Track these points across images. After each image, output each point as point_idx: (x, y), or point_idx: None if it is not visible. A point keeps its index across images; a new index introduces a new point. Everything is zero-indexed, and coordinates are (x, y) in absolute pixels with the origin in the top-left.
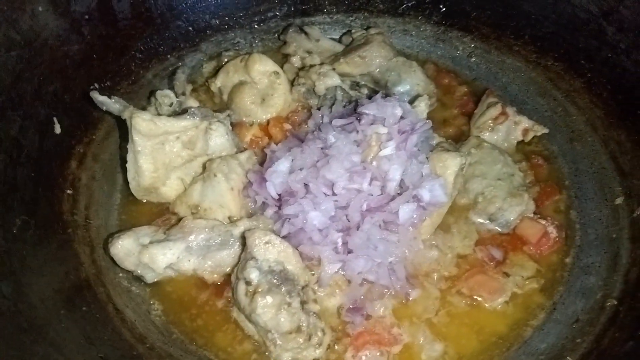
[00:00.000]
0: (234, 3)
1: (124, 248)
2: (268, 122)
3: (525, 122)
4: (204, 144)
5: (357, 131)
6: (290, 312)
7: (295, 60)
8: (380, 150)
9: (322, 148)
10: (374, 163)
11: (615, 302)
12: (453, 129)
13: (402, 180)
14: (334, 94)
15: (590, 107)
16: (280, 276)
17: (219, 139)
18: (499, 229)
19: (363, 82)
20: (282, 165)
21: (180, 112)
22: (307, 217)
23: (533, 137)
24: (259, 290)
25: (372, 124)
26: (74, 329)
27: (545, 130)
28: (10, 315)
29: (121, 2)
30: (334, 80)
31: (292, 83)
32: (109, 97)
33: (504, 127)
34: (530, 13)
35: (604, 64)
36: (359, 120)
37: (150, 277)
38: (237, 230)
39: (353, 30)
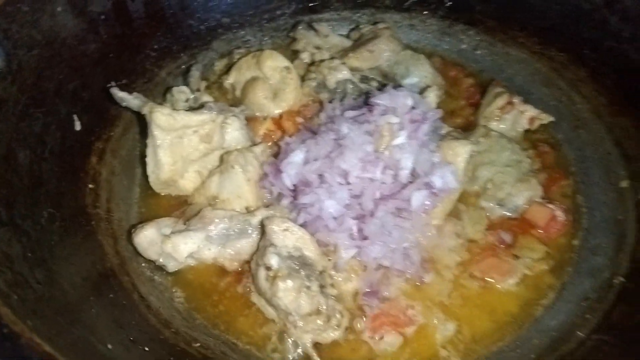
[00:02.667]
0: (244, 2)
1: (147, 238)
2: (281, 116)
3: (531, 111)
4: (220, 137)
5: (369, 122)
6: (309, 294)
7: (305, 56)
8: (393, 139)
9: (335, 139)
10: (387, 152)
11: (623, 280)
12: (461, 119)
13: (413, 168)
14: (344, 87)
15: (595, 96)
16: (299, 261)
17: (235, 132)
18: (509, 214)
19: (372, 76)
20: (297, 157)
21: (196, 107)
22: (322, 205)
23: (539, 126)
24: (279, 274)
25: (383, 114)
26: (103, 314)
27: (551, 118)
28: (46, 299)
29: (135, 2)
30: (344, 74)
31: (302, 78)
32: (129, 93)
33: (511, 116)
34: (533, 5)
35: (608, 53)
36: (371, 111)
37: (172, 266)
38: (255, 220)
39: (361, 26)
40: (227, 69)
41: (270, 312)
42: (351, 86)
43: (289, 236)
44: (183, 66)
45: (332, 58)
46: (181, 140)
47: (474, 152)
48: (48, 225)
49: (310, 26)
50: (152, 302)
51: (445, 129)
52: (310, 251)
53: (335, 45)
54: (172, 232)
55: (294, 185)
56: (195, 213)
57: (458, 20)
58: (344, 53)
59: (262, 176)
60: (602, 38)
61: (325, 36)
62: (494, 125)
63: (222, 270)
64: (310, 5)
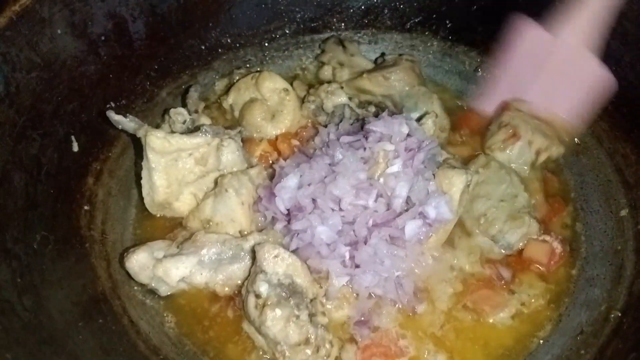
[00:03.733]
0: (245, 22)
1: (139, 262)
2: (277, 137)
3: (538, 143)
4: (215, 160)
5: (365, 148)
6: (298, 324)
7: (327, 69)
8: (387, 167)
9: (329, 164)
10: (381, 180)
11: (619, 314)
12: (467, 148)
13: (408, 197)
14: (341, 111)
15: (596, 120)
16: (289, 289)
17: (231, 155)
18: (502, 251)
19: (379, 101)
20: (291, 181)
21: (193, 129)
22: (315, 231)
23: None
24: (268, 303)
25: (379, 141)
26: (91, 341)
27: (561, 151)
28: (32, 327)
29: (136, 23)
30: (341, 98)
31: (302, 100)
32: (125, 116)
33: (517, 148)
34: None
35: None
36: (366, 138)
37: (164, 291)
38: (248, 244)
39: (387, 53)
40: (227, 89)
41: (259, 340)
42: (348, 111)
43: (279, 263)
44: (183, 86)
45: (330, 82)
46: (176, 163)
47: (470, 181)
48: (40, 248)
49: (340, 41)
50: (142, 327)
51: (443, 156)
52: (301, 278)
53: (358, 65)
54: (165, 256)
55: (288, 210)
56: (189, 236)
57: (459, 42)
58: (360, 73)
59: (256, 199)
60: (603, 62)
61: (351, 55)
62: (498, 154)
63: (214, 295)
64: (311, 25)
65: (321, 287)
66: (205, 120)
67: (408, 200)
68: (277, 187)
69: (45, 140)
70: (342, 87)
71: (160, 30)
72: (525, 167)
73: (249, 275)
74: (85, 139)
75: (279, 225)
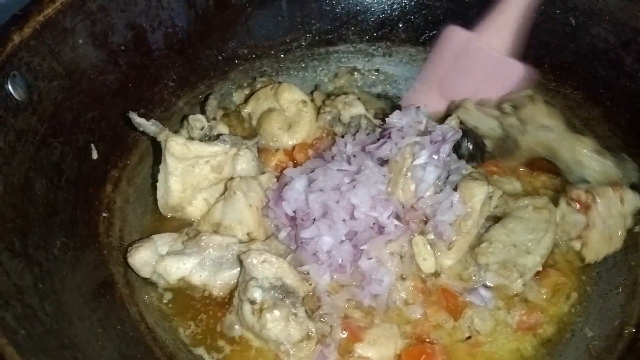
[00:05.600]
0: (262, 33)
1: (142, 259)
2: (293, 147)
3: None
4: (231, 168)
5: (391, 146)
6: (298, 321)
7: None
8: (414, 159)
9: (346, 171)
10: (408, 174)
11: (633, 330)
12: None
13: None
14: (358, 122)
15: (609, 135)
16: (282, 290)
17: (245, 164)
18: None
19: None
20: (299, 184)
21: (210, 135)
22: (320, 240)
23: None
24: (265, 306)
25: (403, 137)
26: (109, 347)
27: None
28: (54, 333)
29: (155, 34)
30: (358, 109)
31: (318, 110)
32: (147, 119)
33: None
34: (549, 43)
35: (623, 93)
36: (389, 136)
37: (161, 284)
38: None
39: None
40: (247, 98)
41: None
42: (365, 121)
43: (267, 267)
44: (200, 96)
45: (346, 93)
46: (193, 169)
47: (492, 192)
48: (60, 254)
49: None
50: (159, 333)
51: (468, 170)
52: (291, 279)
53: None
54: (168, 253)
55: (294, 215)
56: (194, 235)
57: None
58: None
59: (265, 204)
60: (617, 78)
61: None
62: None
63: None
64: (327, 37)
65: (311, 284)
66: (223, 127)
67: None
68: (284, 189)
69: (66, 148)
70: (358, 98)
71: (179, 41)
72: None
73: (237, 286)
74: (104, 147)
75: (283, 234)
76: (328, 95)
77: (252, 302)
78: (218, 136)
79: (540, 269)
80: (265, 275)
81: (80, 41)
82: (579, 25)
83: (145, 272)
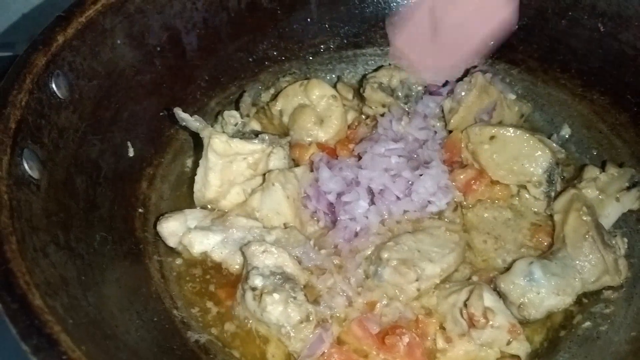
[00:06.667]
0: (291, 36)
1: (169, 229)
2: (335, 146)
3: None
4: (264, 165)
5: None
6: (297, 303)
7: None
8: None
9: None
10: None
11: None
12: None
13: None
14: (409, 86)
15: (636, 141)
16: (282, 277)
17: (278, 161)
18: None
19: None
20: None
21: (243, 132)
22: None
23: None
24: (265, 291)
25: None
26: (148, 339)
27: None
28: (97, 323)
29: (189, 35)
30: (405, 74)
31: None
32: (190, 115)
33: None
34: (577, 48)
35: None
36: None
37: (186, 255)
38: (269, 237)
39: None
40: (275, 96)
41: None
42: (414, 84)
43: (268, 257)
44: (232, 96)
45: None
46: (231, 165)
47: None
48: (100, 248)
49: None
50: (193, 326)
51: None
52: (290, 268)
53: None
54: (196, 227)
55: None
56: (222, 214)
57: (500, 59)
58: None
59: (302, 196)
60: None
61: None
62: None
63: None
64: (354, 40)
65: (312, 273)
66: (255, 124)
67: None
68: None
69: (104, 145)
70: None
71: (211, 42)
72: None
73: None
74: (139, 145)
75: (322, 223)
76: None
77: (253, 289)
78: (257, 134)
79: (437, 281)
80: (265, 264)
81: (119, 42)
82: (607, 31)
83: (171, 241)
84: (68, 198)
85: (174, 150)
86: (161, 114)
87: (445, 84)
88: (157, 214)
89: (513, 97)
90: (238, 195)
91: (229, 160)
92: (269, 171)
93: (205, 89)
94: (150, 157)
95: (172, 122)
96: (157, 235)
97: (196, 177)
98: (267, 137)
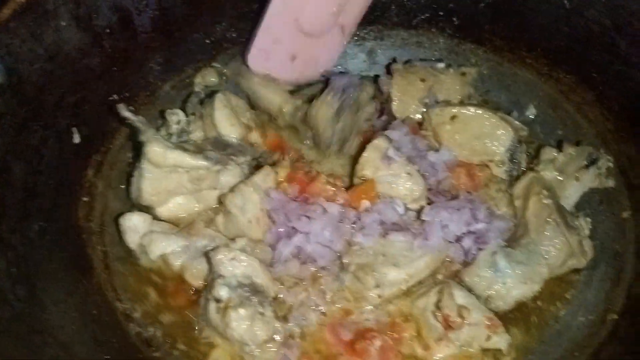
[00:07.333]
0: (250, 16)
1: (132, 223)
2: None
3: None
4: (212, 181)
5: None
6: (264, 321)
7: None
8: None
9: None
10: None
11: (616, 317)
12: None
13: None
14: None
15: (601, 120)
16: (250, 288)
17: (232, 178)
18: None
19: None
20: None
21: (188, 131)
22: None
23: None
24: (230, 304)
25: None
26: (84, 332)
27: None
28: (24, 317)
29: (141, 16)
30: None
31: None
32: (134, 114)
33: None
34: (543, 26)
35: (616, 77)
36: None
37: (144, 260)
38: (235, 246)
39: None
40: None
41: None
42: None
43: (237, 265)
44: (187, 79)
45: None
46: (169, 174)
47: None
48: (37, 239)
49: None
50: (136, 319)
51: None
52: (261, 278)
53: None
54: (159, 230)
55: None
56: (190, 222)
57: (466, 39)
58: None
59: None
60: (611, 61)
61: None
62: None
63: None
64: None
65: (282, 285)
66: (197, 125)
67: None
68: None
69: (47, 132)
70: None
71: (165, 24)
72: None
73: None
74: (86, 131)
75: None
76: None
77: (218, 301)
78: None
79: (404, 288)
80: (233, 273)
81: (63, 23)
82: (572, 7)
83: (130, 239)
84: (3, 187)
85: (124, 136)
86: (110, 98)
87: None
88: (103, 203)
89: (442, 65)
90: (181, 206)
91: (167, 170)
92: (223, 195)
93: (159, 72)
94: (98, 144)
95: (111, 118)
96: (102, 225)
97: (131, 180)
98: (213, 156)
